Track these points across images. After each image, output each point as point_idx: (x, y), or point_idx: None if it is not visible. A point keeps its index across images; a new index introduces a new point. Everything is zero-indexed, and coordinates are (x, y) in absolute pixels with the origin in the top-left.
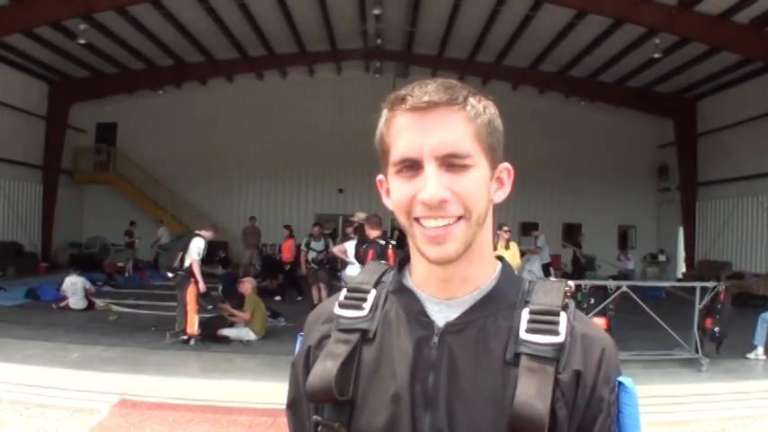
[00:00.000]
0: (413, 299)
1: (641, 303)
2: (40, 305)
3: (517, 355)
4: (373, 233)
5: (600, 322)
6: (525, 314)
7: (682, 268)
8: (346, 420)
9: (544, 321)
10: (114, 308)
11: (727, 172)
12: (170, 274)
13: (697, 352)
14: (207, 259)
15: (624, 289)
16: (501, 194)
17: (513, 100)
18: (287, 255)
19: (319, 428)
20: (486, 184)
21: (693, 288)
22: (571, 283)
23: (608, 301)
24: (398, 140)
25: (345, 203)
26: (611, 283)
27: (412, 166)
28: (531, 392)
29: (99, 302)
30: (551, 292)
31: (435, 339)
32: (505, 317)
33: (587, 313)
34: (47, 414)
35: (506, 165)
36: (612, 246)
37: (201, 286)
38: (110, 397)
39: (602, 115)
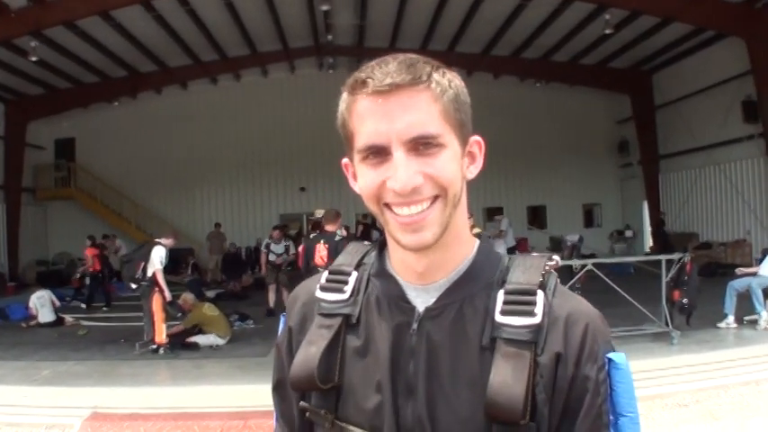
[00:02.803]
0: (393, 284)
1: (607, 280)
2: (9, 325)
3: (493, 340)
4: (329, 227)
5: None
6: (501, 295)
7: (649, 243)
8: (333, 406)
9: (519, 302)
10: (83, 322)
11: (687, 143)
12: (133, 285)
13: (667, 325)
14: (171, 267)
15: (589, 267)
16: (473, 170)
17: (469, 87)
18: (93, 264)
19: (306, 414)
20: (458, 163)
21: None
22: (556, 257)
23: (574, 280)
24: (362, 126)
25: (309, 202)
26: (576, 262)
27: (379, 153)
28: (507, 378)
29: (68, 318)
30: (530, 269)
31: (415, 326)
32: (482, 298)
33: None
34: None
35: (477, 138)
36: (579, 225)
37: (167, 295)
38: (81, 411)
39: (559, 95)
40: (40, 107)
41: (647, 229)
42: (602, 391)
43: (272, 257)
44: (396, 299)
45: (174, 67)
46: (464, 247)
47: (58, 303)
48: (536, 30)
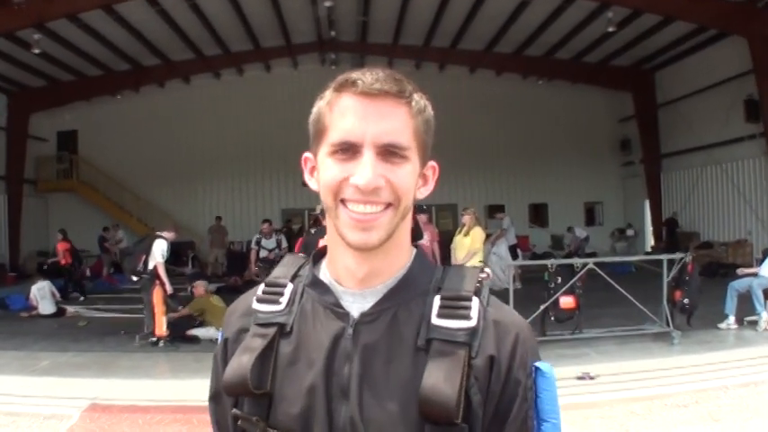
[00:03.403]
0: (328, 291)
1: (609, 279)
2: (8, 315)
3: (429, 341)
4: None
5: (568, 300)
6: (437, 300)
7: (650, 242)
8: (264, 413)
9: (455, 306)
10: (84, 313)
11: (689, 142)
12: (134, 278)
13: (668, 325)
14: (172, 260)
15: (590, 266)
16: (424, 191)
17: (471, 84)
18: (64, 259)
19: (239, 422)
20: (415, 179)
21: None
22: (488, 270)
23: (575, 278)
24: (340, 122)
25: (310, 197)
26: (578, 261)
27: (348, 150)
28: (440, 377)
29: (69, 309)
30: (464, 277)
31: (350, 330)
32: (418, 304)
33: (555, 292)
34: (18, 422)
35: (433, 163)
36: (580, 223)
37: (168, 288)
38: (80, 402)
39: (561, 93)
40: (42, 99)
41: (649, 228)
42: (529, 397)
43: (263, 253)
44: (330, 306)
45: (177, 62)
46: (403, 256)
47: (58, 295)
48: (539, 27)
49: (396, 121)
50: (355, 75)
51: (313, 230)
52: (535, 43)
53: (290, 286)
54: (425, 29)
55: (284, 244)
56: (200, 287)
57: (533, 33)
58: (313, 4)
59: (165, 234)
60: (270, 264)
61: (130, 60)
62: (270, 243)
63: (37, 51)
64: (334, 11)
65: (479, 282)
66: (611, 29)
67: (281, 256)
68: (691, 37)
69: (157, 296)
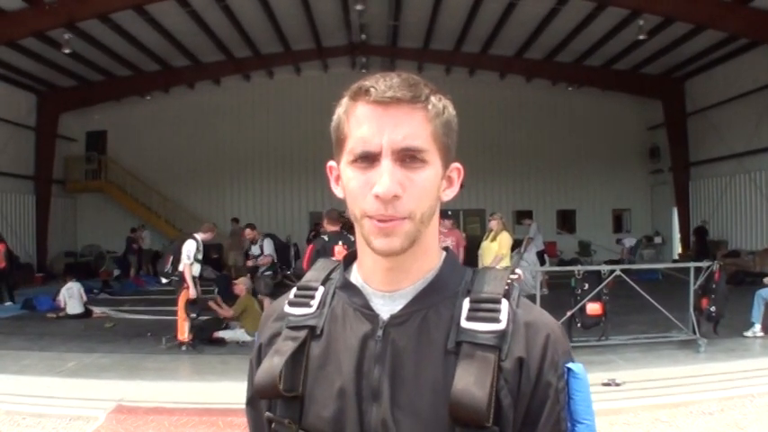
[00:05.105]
0: (358, 294)
1: (635, 286)
2: (36, 315)
3: (459, 344)
4: (331, 228)
5: (595, 307)
6: (466, 303)
7: (678, 249)
8: (297, 416)
9: (484, 309)
10: (111, 314)
11: (718, 151)
12: (164, 280)
13: (694, 333)
14: (203, 263)
15: (617, 272)
16: (449, 193)
17: (501, 89)
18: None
19: (273, 425)
20: (437, 183)
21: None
22: (519, 271)
23: (602, 285)
24: (357, 131)
25: (340, 200)
26: (605, 268)
27: (367, 158)
28: (470, 380)
29: (96, 310)
30: (494, 279)
31: (380, 332)
32: (447, 306)
33: (581, 299)
34: (44, 423)
35: (458, 165)
36: (608, 230)
37: (191, 292)
38: (106, 404)
39: (591, 100)
40: (72, 99)
41: (677, 235)
42: (561, 399)
43: (250, 263)
44: (360, 308)
45: (207, 63)
46: (431, 259)
47: (85, 298)
48: (569, 34)
49: (411, 126)
50: (369, 82)
51: (326, 237)
52: (566, 50)
53: (320, 289)
54: (456, 34)
55: (268, 249)
56: (241, 285)
57: (564, 40)
58: (344, 8)
59: (197, 235)
60: (255, 271)
61: (160, 61)
62: (255, 249)
63: (67, 51)
64: (365, 15)
65: (509, 284)
66: (642, 37)
67: (269, 264)
68: (721, 46)
69: (182, 299)
